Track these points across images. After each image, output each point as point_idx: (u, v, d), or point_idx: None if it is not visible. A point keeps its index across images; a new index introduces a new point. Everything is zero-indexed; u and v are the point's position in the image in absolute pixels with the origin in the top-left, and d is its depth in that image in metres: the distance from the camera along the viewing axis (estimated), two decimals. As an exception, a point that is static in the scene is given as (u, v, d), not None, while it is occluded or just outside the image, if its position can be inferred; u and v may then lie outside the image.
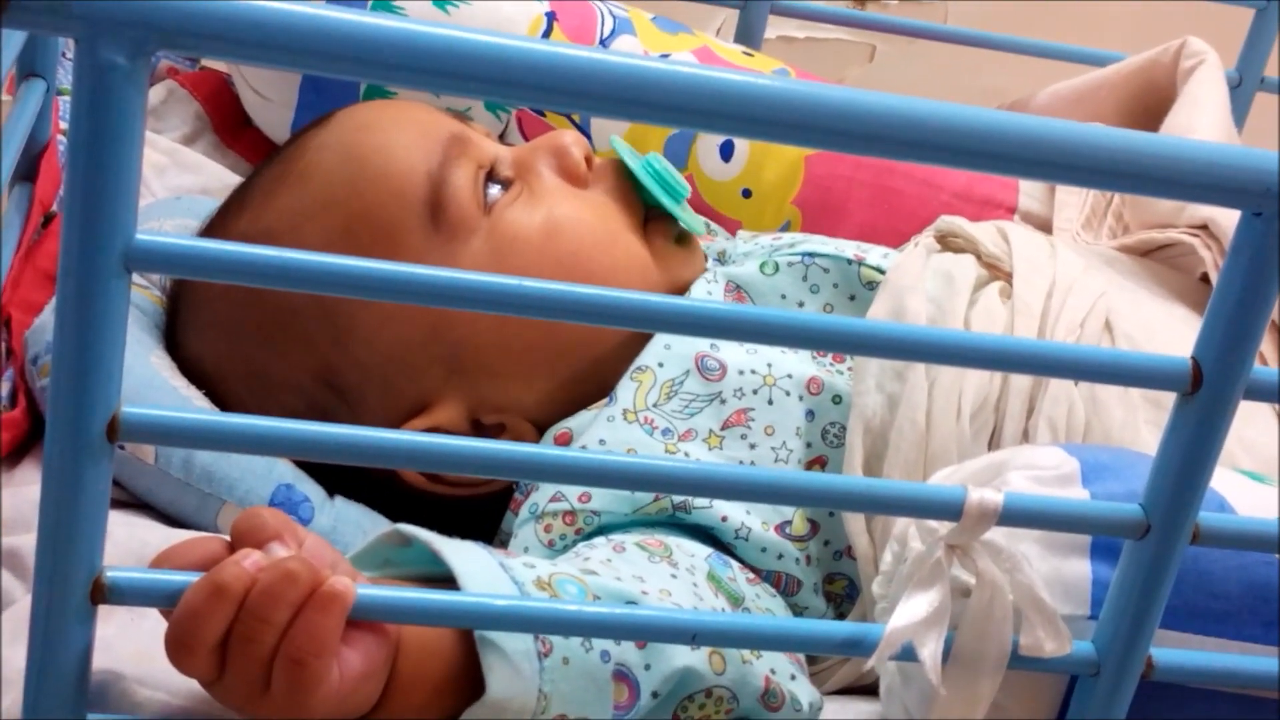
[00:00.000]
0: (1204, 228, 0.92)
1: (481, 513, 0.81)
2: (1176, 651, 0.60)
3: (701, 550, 0.72)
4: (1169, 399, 0.56)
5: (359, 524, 0.79)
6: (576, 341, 0.81)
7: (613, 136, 0.90)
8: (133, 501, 0.79)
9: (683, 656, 0.61)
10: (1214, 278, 0.89)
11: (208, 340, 0.84)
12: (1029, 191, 1.09)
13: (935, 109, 0.48)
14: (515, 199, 0.83)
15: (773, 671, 0.65)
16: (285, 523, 0.56)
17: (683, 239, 0.88)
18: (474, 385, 0.81)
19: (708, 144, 1.06)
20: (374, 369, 0.80)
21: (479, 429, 0.82)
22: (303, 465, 0.81)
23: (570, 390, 0.81)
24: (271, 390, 0.82)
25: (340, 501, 0.80)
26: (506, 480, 0.81)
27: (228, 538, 0.56)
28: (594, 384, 0.81)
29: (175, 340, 0.86)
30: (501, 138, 1.04)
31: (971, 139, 0.48)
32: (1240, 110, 1.16)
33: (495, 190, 0.83)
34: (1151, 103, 1.08)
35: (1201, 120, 1.00)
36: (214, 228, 0.87)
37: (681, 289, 0.85)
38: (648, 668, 0.60)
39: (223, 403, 0.82)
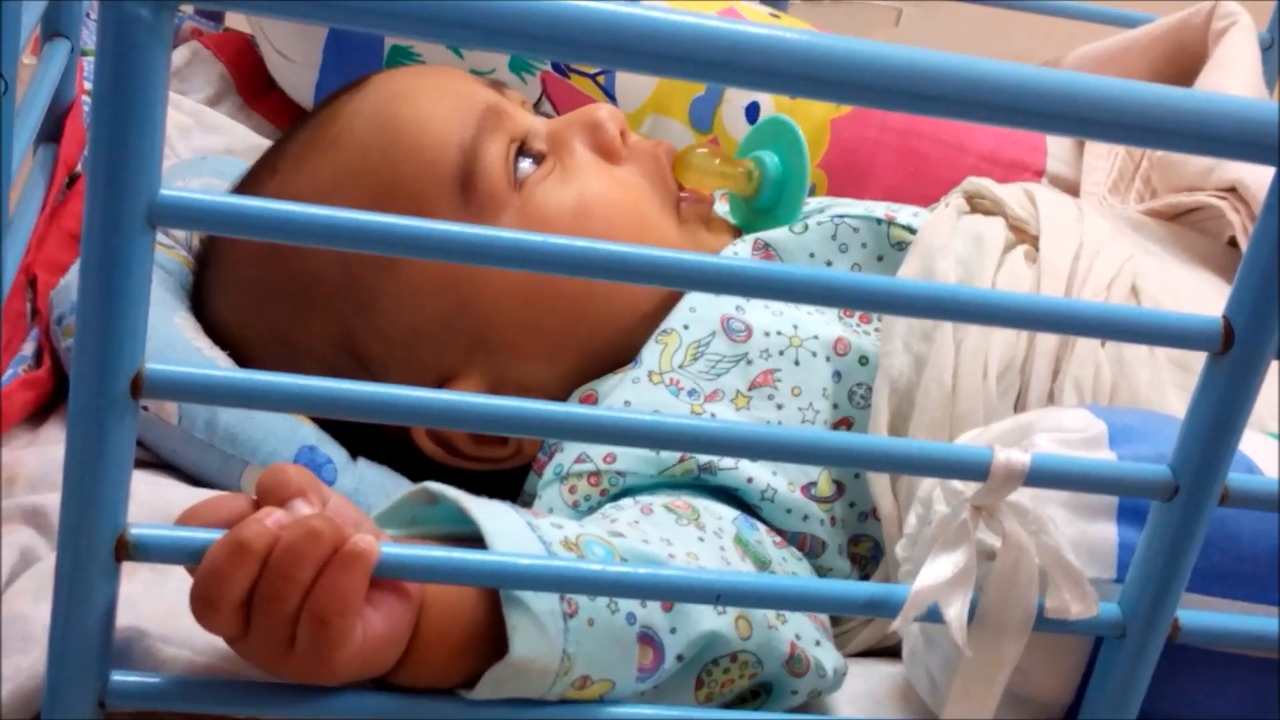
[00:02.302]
0: (1233, 190, 0.92)
1: (504, 474, 0.81)
2: (1203, 614, 0.60)
3: (729, 513, 0.71)
4: (1195, 361, 0.56)
5: (382, 486, 0.79)
6: (601, 321, 0.81)
7: (780, 116, 0.89)
8: (157, 462, 0.79)
9: (709, 620, 0.61)
10: (1242, 241, 0.88)
11: (233, 303, 0.84)
12: (1057, 155, 1.08)
13: (968, 63, 0.48)
14: (547, 175, 0.82)
15: (798, 637, 0.64)
16: (310, 480, 0.55)
17: (712, 221, 0.87)
18: (496, 362, 0.80)
19: (733, 107, 1.05)
20: (397, 341, 0.80)
21: None
22: (326, 428, 0.81)
23: (592, 371, 0.81)
24: (294, 356, 0.82)
25: (363, 464, 0.80)
26: (527, 456, 0.81)
27: (254, 495, 0.56)
28: (616, 363, 0.81)
29: (201, 301, 0.86)
30: (536, 106, 1.04)
31: (1004, 94, 0.48)
32: (1271, 73, 1.15)
33: (527, 165, 0.82)
34: (1182, 64, 1.07)
35: (1233, 82, 0.99)
36: (243, 190, 0.86)
37: None
38: (673, 631, 0.60)
39: (246, 366, 0.82)
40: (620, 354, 0.81)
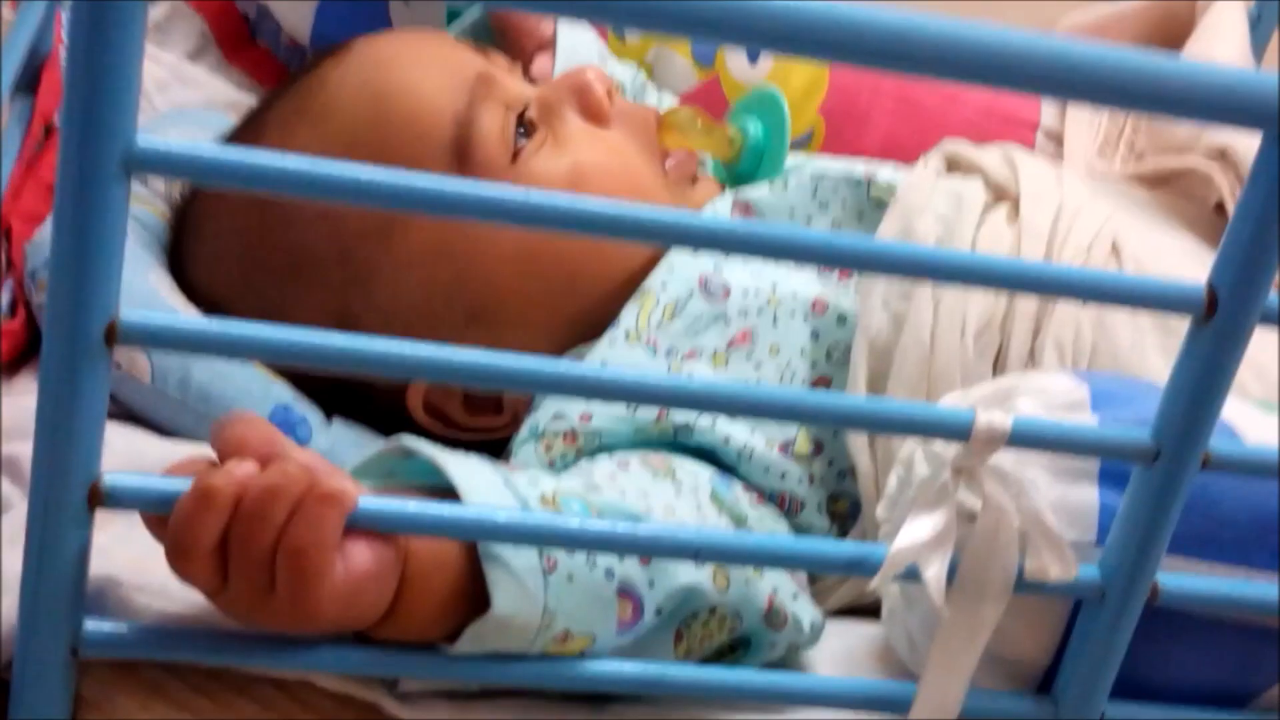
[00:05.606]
0: (1222, 155, 0.91)
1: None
2: (1183, 577, 0.60)
3: (704, 470, 0.71)
4: (1178, 323, 0.56)
5: (358, 446, 0.79)
6: (594, 285, 0.80)
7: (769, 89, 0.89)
8: (133, 415, 0.78)
9: (686, 574, 0.61)
10: (1229, 206, 0.88)
11: (220, 273, 0.83)
12: (1052, 108, 1.08)
13: (956, 28, 0.47)
14: (540, 147, 0.82)
15: (775, 591, 0.64)
16: (273, 432, 0.55)
17: (699, 180, 0.88)
18: (492, 333, 0.79)
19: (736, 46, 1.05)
20: (394, 314, 0.79)
21: None
22: (302, 389, 0.80)
23: (584, 338, 0.80)
24: None
25: (339, 424, 0.80)
26: (521, 424, 0.80)
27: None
28: (606, 327, 0.80)
29: (183, 266, 0.84)
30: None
31: (993, 57, 0.47)
32: (1259, 47, 1.14)
33: (520, 139, 0.81)
34: (1171, 34, 1.07)
35: (1220, 50, 0.99)
36: None
37: None
38: (651, 585, 0.60)
39: None
40: (611, 317, 0.80)
